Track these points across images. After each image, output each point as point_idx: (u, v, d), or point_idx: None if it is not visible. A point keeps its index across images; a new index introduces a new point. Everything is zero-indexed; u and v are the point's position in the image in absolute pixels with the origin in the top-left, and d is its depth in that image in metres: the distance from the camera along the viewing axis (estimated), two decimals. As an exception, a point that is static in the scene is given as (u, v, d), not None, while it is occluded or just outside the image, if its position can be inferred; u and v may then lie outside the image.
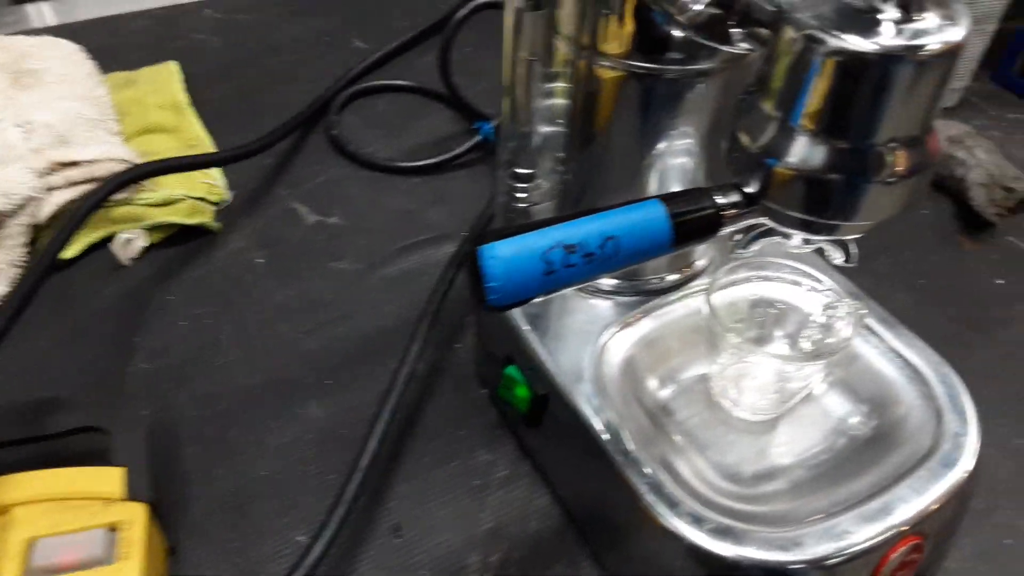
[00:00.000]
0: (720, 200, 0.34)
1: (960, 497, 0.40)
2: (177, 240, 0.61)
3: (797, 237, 0.37)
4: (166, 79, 0.72)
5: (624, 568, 0.42)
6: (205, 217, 0.61)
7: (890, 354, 0.45)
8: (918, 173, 0.32)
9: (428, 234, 0.63)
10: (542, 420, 0.45)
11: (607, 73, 0.40)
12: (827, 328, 0.44)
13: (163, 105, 0.69)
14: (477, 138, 0.68)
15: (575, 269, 0.32)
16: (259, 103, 0.74)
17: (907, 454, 0.41)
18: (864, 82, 0.29)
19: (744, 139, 0.33)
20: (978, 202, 0.61)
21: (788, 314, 0.46)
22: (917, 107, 0.30)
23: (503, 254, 0.31)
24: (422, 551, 0.43)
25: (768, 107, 0.32)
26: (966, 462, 0.40)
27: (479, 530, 0.44)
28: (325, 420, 0.49)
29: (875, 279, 0.59)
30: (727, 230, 0.35)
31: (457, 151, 0.67)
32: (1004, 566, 0.43)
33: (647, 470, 0.40)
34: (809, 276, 0.45)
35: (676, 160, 0.43)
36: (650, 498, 0.39)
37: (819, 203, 0.32)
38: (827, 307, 0.44)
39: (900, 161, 0.31)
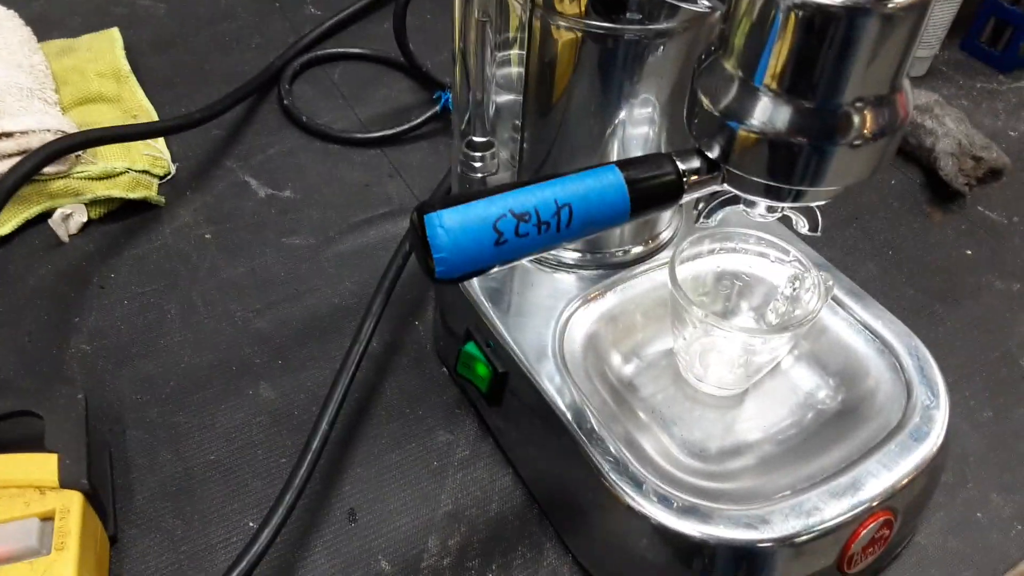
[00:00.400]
0: (681, 166, 0.32)
1: (931, 471, 0.39)
2: (119, 215, 0.58)
3: (761, 205, 0.36)
4: (107, 47, 0.69)
5: (589, 549, 0.41)
6: (149, 191, 0.58)
7: (858, 326, 0.44)
8: (887, 135, 0.30)
9: (385, 208, 0.60)
10: (503, 399, 0.44)
11: (563, 34, 0.38)
12: (794, 300, 0.43)
13: (104, 74, 0.66)
14: (436, 108, 0.65)
15: (527, 239, 0.30)
16: (206, 72, 0.71)
17: (876, 428, 0.40)
18: (829, 36, 0.27)
19: (705, 101, 0.32)
20: (947, 172, 0.61)
21: (754, 286, 0.45)
22: (885, 63, 0.28)
23: (450, 223, 0.29)
24: (379, 536, 0.41)
25: (730, 66, 0.30)
26: (936, 436, 0.39)
27: (438, 513, 0.42)
28: (277, 401, 0.47)
29: (842, 250, 0.58)
30: (688, 197, 0.33)
31: (416, 121, 0.65)
32: (975, 540, 0.42)
33: (611, 448, 0.38)
34: (775, 247, 0.44)
35: (636, 126, 0.41)
36: (614, 477, 0.37)
37: (784, 168, 0.31)
38: (793, 279, 0.43)
39: (868, 122, 0.30)
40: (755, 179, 0.32)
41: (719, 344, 0.42)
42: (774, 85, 0.29)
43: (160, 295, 0.52)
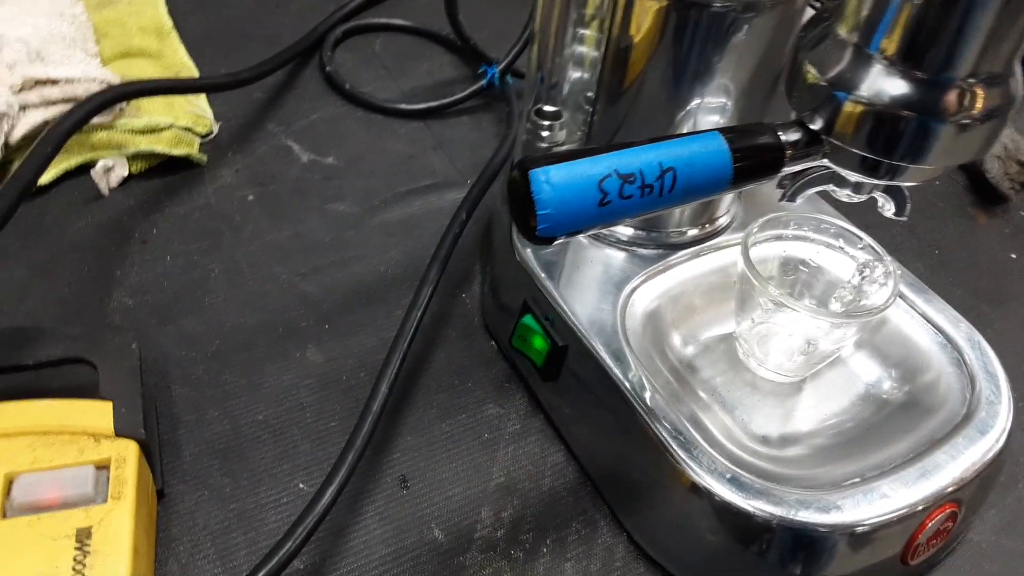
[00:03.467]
0: (783, 137, 0.32)
1: (995, 465, 0.38)
2: (161, 172, 0.56)
3: (849, 185, 0.35)
4: (149, 1, 0.67)
5: (646, 528, 0.40)
6: (191, 148, 0.57)
7: (920, 319, 0.44)
8: (995, 117, 0.30)
9: (429, 180, 0.59)
10: (559, 373, 0.43)
11: (648, 4, 0.37)
12: (860, 290, 0.42)
13: (145, 28, 0.64)
14: (482, 83, 0.64)
15: (630, 202, 0.30)
16: (247, 33, 0.70)
17: (941, 420, 0.40)
18: (956, 3, 0.27)
19: (811, 72, 0.31)
20: (993, 175, 0.60)
21: (819, 276, 0.44)
22: (1005, 40, 0.28)
23: (557, 179, 0.28)
24: (431, 504, 0.40)
25: (844, 32, 0.30)
26: (1001, 429, 0.39)
27: (490, 485, 0.41)
28: (324, 365, 0.46)
29: (889, 248, 0.58)
30: (788, 169, 0.32)
31: (463, 94, 0.64)
32: (1029, 537, 0.42)
33: (676, 426, 0.38)
34: (847, 233, 0.43)
35: (713, 103, 0.41)
36: (681, 454, 0.37)
37: (888, 142, 0.30)
38: (863, 267, 0.42)
39: (979, 101, 0.29)
40: (856, 152, 0.31)
41: (782, 330, 0.42)
42: (890, 51, 0.29)
43: (203, 254, 0.51)
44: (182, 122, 0.57)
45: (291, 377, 0.45)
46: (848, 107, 0.30)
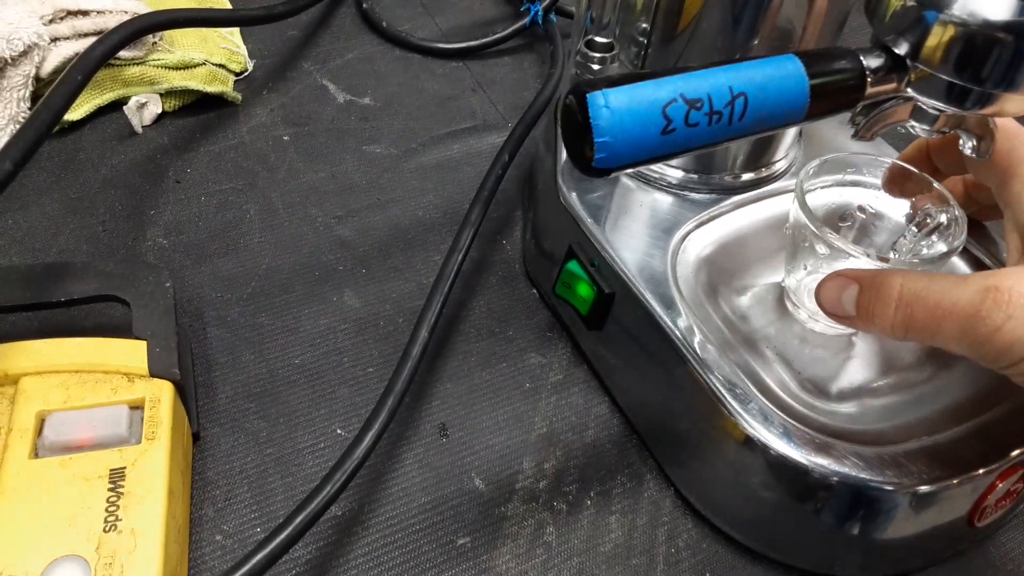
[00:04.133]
0: (865, 62, 0.29)
1: (1072, 426, 0.36)
2: (194, 110, 0.55)
3: (926, 123, 0.33)
4: (181, -64, 0.65)
5: (695, 482, 0.38)
6: (225, 86, 0.55)
7: (977, 266, 0.41)
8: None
9: (469, 123, 0.57)
10: (605, 322, 0.41)
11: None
12: (923, 236, 0.40)
13: (178, -37, 0.62)
14: (525, 21, 0.62)
15: (697, 130, 0.27)
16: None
17: (1009, 382, 0.37)
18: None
19: (898, -9, 0.28)
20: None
21: (878, 221, 0.42)
22: None
23: (617, 104, 0.26)
24: (471, 453, 0.39)
25: (940, -56, 0.27)
26: (1080, 390, 0.36)
27: (532, 435, 0.40)
28: (361, 310, 0.44)
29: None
30: (871, 96, 0.30)
31: (504, 33, 0.61)
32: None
33: (730, 377, 0.36)
34: (912, 175, 0.40)
35: (779, 36, 0.38)
36: (735, 405, 0.35)
37: (981, 66, 0.27)
38: (926, 213, 0.40)
39: (1089, 23, 0.26)
40: (944, 78, 0.28)
41: None
42: (990, -36, 0.26)
43: (239, 194, 0.50)
44: (216, 58, 0.55)
45: (328, 321, 0.44)
46: (937, 28, 0.27)
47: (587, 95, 0.26)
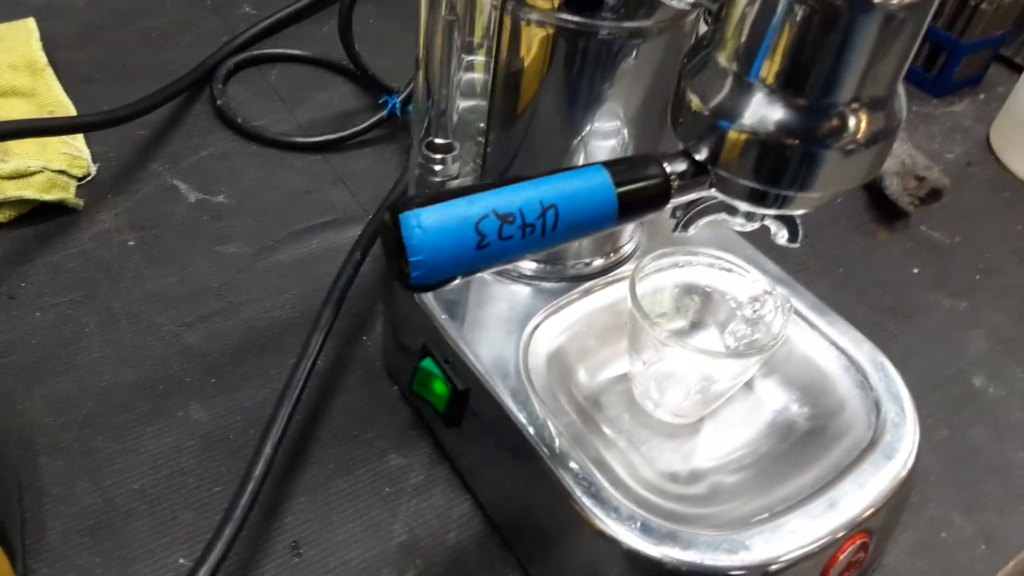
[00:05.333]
0: (668, 168, 0.31)
1: (903, 490, 0.38)
2: (32, 219, 0.52)
3: (741, 214, 0.35)
4: (22, 37, 0.63)
5: (555, 579, 0.38)
6: (66, 192, 0.53)
7: (823, 343, 0.43)
8: (882, 140, 0.29)
9: (328, 216, 0.57)
10: (462, 419, 0.41)
11: (534, 31, 0.36)
12: (754, 323, 0.42)
13: (17, 66, 0.60)
14: (383, 113, 0.62)
15: (511, 243, 0.28)
16: (130, 69, 0.66)
17: (847, 447, 0.39)
18: (833, 29, 0.26)
19: (694, 101, 0.30)
20: (892, 191, 0.61)
21: (717, 302, 0.43)
22: (885, 64, 0.27)
23: (429, 223, 0.26)
24: (326, 570, 0.37)
25: (724, 61, 0.29)
26: (907, 453, 0.38)
27: (391, 544, 0.39)
28: (209, 424, 0.43)
29: (794, 267, 0.57)
30: (675, 201, 0.31)
31: (362, 125, 0.61)
32: (942, 561, 0.41)
33: (580, 470, 0.36)
34: (736, 266, 0.42)
35: (606, 131, 0.40)
36: (585, 500, 0.35)
37: (774, 171, 0.29)
38: (753, 300, 0.42)
39: (862, 126, 0.29)
40: (743, 183, 0.30)
41: (677, 369, 0.40)
42: (770, 79, 0.28)
43: (77, 306, 0.48)
44: (55, 164, 0.53)
45: (172, 439, 0.42)
46: (732, 136, 0.29)
47: (400, 215, 0.26)
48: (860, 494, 0.36)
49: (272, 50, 0.69)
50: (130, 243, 0.52)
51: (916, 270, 0.59)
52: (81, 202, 0.53)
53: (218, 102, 0.63)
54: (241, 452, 0.41)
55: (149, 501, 0.39)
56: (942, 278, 0.58)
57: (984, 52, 0.76)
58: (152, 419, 0.42)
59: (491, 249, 0.27)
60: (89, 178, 0.56)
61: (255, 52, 0.69)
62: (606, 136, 0.40)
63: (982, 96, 0.78)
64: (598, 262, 0.46)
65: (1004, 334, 0.54)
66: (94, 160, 0.57)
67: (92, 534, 0.37)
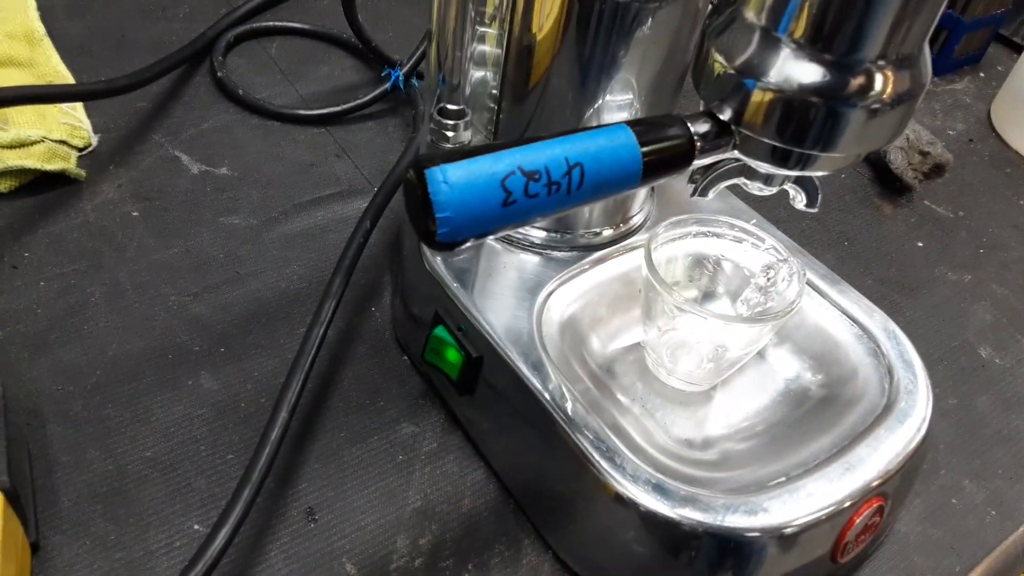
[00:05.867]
0: (692, 128, 0.30)
1: (917, 454, 0.38)
2: (34, 189, 0.52)
3: (760, 178, 0.34)
4: (18, 6, 0.62)
5: (571, 544, 0.38)
6: (67, 163, 0.52)
7: (836, 312, 0.43)
8: (907, 100, 0.29)
9: (333, 188, 0.56)
10: (476, 386, 0.41)
11: (551, -5, 0.36)
12: (767, 291, 0.41)
13: (14, 35, 0.59)
14: (386, 86, 0.62)
15: (537, 200, 0.28)
16: (128, 41, 0.65)
17: (862, 412, 0.39)
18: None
19: (719, 60, 0.30)
20: (897, 165, 0.61)
21: (731, 271, 0.43)
22: (915, 16, 0.27)
23: (455, 179, 0.26)
24: (342, 536, 0.37)
25: (751, 15, 0.29)
26: (921, 417, 0.39)
27: (406, 510, 0.39)
28: (220, 393, 0.42)
29: (800, 240, 0.58)
30: (699, 162, 0.31)
31: (366, 98, 0.61)
32: (953, 527, 0.42)
33: (598, 435, 0.36)
34: (750, 234, 0.42)
35: (620, 98, 0.39)
36: (603, 464, 0.35)
37: (798, 130, 0.29)
38: (767, 268, 0.42)
39: (888, 85, 0.28)
40: (766, 142, 0.30)
41: (690, 336, 0.40)
42: (798, 33, 0.27)
43: (82, 276, 0.47)
44: (56, 134, 0.52)
45: (182, 408, 0.41)
46: (757, 95, 0.29)
47: (426, 171, 0.26)
48: (876, 458, 0.37)
49: (272, 23, 0.68)
50: (133, 214, 0.51)
51: (920, 244, 0.59)
52: (83, 172, 0.53)
53: (219, 74, 0.62)
54: (253, 420, 0.41)
55: (162, 468, 0.38)
56: (946, 252, 0.58)
57: (984, 31, 0.76)
58: (162, 388, 0.42)
59: (517, 207, 0.27)
60: (90, 149, 0.55)
61: (255, 25, 0.68)
62: (620, 105, 0.40)
63: (982, 74, 0.78)
64: (608, 232, 0.45)
65: (1008, 306, 0.55)
66: (94, 131, 0.56)
67: (105, 501, 0.37)
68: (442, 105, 0.42)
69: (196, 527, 0.37)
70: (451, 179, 0.26)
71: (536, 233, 0.44)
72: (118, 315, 0.45)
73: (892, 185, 0.63)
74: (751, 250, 0.42)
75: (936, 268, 0.57)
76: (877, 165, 0.64)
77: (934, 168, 0.63)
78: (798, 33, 0.27)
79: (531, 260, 0.44)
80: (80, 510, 0.36)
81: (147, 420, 0.40)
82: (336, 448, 0.41)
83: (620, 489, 0.34)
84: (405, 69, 0.63)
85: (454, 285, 0.42)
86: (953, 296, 0.55)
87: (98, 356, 0.43)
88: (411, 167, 0.26)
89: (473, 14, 0.39)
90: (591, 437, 0.36)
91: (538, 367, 0.38)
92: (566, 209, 0.29)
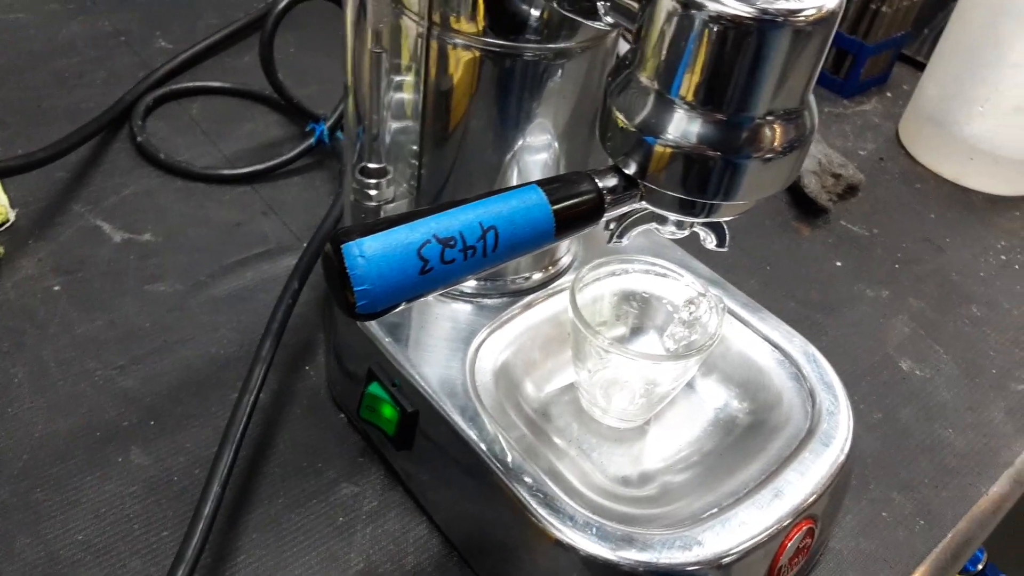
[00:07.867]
0: (600, 183, 0.32)
1: (843, 474, 0.39)
2: (-52, 270, 0.50)
3: (672, 222, 0.36)
4: (-77, 81, 0.61)
5: (516, 593, 0.38)
6: (-17, 240, 0.51)
7: (757, 339, 0.45)
8: (796, 148, 0.31)
9: (261, 248, 0.56)
10: (413, 441, 0.41)
11: (461, 55, 0.37)
12: (690, 324, 0.43)
13: (-80, 111, 0.58)
14: (311, 141, 0.62)
15: (453, 266, 0.28)
16: (44, 110, 0.64)
17: (788, 437, 0.41)
18: (743, 48, 0.27)
19: (620, 118, 0.31)
20: (811, 189, 0.64)
21: (654, 310, 0.45)
22: (795, 77, 0.29)
23: (372, 252, 0.27)
24: (284, 608, 0.37)
25: (645, 79, 0.30)
26: (844, 438, 0.40)
27: (348, 574, 0.39)
28: (151, 468, 0.42)
29: (724, 268, 0.60)
30: (609, 215, 0.32)
31: (291, 154, 0.61)
32: (885, 539, 0.43)
33: (534, 481, 0.36)
34: (670, 271, 0.44)
35: (537, 149, 0.41)
36: (541, 511, 0.35)
37: (699, 182, 0.31)
38: (688, 303, 0.43)
39: (779, 136, 0.30)
40: (671, 194, 0.31)
41: (621, 375, 0.41)
42: (689, 97, 0.29)
43: (4, 357, 0.46)
44: (-31, 212, 0.51)
45: (113, 486, 0.40)
46: (657, 151, 0.30)
47: (342, 246, 0.26)
48: (803, 481, 0.38)
49: (192, 83, 0.68)
50: (55, 288, 0.50)
51: (839, 263, 0.61)
52: (1, 249, 0.51)
53: (138, 139, 0.62)
54: (187, 494, 0.40)
55: (95, 551, 0.38)
56: (864, 269, 0.61)
57: (888, 52, 0.80)
58: (91, 467, 0.41)
59: (434, 273, 0.28)
60: (8, 224, 0.54)
61: (174, 87, 0.67)
62: (537, 151, 0.41)
63: (889, 94, 0.82)
64: (537, 276, 0.46)
65: (925, 318, 0.57)
66: (12, 206, 0.55)
67: (35, 593, 0.36)
68: (363, 164, 0.42)
69: (133, 611, 0.36)
70: (367, 252, 0.27)
71: (467, 283, 0.45)
72: (43, 395, 0.44)
73: (809, 208, 0.65)
74: (674, 285, 0.44)
75: (855, 286, 0.59)
76: (793, 189, 0.66)
77: (847, 189, 0.66)
78: (689, 97, 0.29)
79: (463, 309, 0.44)
80: (9, 605, 0.35)
81: (77, 502, 0.39)
82: (274, 516, 0.40)
83: (559, 535, 0.35)
84: (329, 123, 0.63)
85: (387, 340, 0.42)
86: (872, 312, 0.57)
87: (24, 439, 0.42)
88: (329, 240, 0.27)
89: (388, 67, 0.39)
90: (529, 484, 0.36)
91: (473, 418, 0.39)
92: (484, 271, 0.30)
